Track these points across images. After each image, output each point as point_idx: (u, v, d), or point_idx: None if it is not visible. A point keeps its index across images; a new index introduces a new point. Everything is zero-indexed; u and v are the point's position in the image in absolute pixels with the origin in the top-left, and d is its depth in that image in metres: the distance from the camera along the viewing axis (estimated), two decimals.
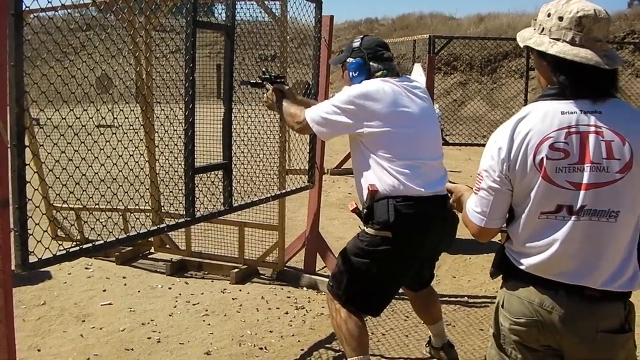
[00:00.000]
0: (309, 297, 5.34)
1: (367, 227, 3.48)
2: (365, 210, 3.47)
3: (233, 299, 5.32)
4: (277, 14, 5.16)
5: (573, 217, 2.12)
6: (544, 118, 2.14)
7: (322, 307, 5.10)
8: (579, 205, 2.10)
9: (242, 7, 5.11)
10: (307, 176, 5.24)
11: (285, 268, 5.77)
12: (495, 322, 2.36)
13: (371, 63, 3.60)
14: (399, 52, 17.65)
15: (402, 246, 3.42)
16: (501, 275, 2.38)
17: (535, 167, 2.13)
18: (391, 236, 3.40)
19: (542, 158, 2.11)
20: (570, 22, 2.14)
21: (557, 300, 2.17)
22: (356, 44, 3.68)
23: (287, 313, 5.02)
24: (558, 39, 2.16)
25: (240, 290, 5.51)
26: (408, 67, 9.64)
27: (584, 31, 2.12)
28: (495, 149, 2.20)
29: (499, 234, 2.38)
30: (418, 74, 9.04)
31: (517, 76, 15.90)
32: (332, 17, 5.40)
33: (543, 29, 2.21)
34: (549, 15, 2.19)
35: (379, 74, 3.58)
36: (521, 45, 2.34)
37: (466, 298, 5.43)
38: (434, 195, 3.41)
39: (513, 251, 2.29)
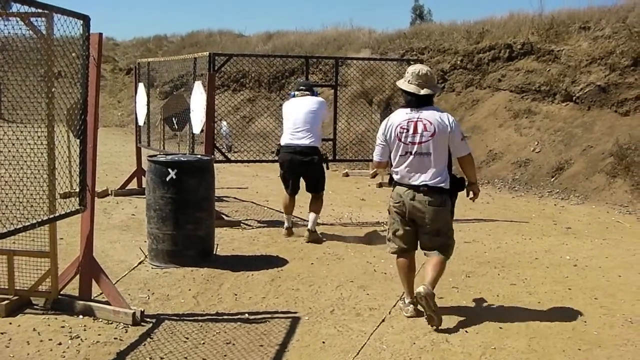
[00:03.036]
0: (84, 325, 5.11)
1: None
2: None
3: (2, 333, 4.96)
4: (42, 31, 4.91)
5: (411, 156, 5.19)
6: (399, 115, 5.30)
7: (99, 335, 4.92)
8: (414, 151, 5.17)
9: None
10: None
11: (60, 296, 5.49)
12: (389, 204, 5.45)
13: (295, 92, 8.26)
14: (188, 70, 17.54)
15: (281, 166, 8.03)
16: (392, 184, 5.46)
17: (397, 136, 5.23)
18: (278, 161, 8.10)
19: (397, 132, 5.22)
20: (407, 73, 5.28)
21: (408, 192, 5.23)
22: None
23: (60, 344, 4.76)
24: (404, 81, 5.28)
25: (10, 324, 5.15)
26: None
27: (410, 77, 5.24)
28: (381, 128, 5.38)
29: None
30: (199, 92, 9.02)
31: None
32: (100, 35, 5.25)
33: (404, 77, 5.33)
34: (406, 72, 5.31)
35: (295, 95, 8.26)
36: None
37: (247, 315, 5.46)
38: (292, 145, 7.82)
39: (392, 174, 5.37)
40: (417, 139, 5.15)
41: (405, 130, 5.19)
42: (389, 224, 5.48)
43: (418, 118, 5.17)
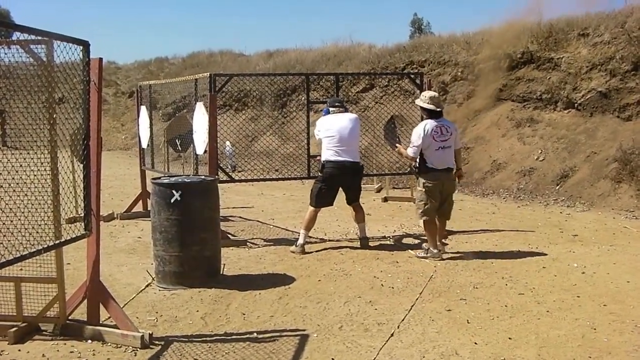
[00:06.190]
0: (93, 350, 5.10)
1: (320, 172, 8.61)
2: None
3: None
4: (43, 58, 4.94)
5: (442, 150, 7.90)
6: (430, 123, 7.90)
7: (108, 359, 4.92)
8: (444, 146, 7.89)
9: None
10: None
11: (68, 322, 5.49)
12: (419, 184, 8.06)
13: (330, 108, 8.75)
14: (190, 91, 17.63)
15: (325, 180, 8.47)
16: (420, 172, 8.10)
17: (431, 136, 7.81)
18: (322, 175, 8.50)
19: (432, 134, 7.82)
20: (425, 97, 8.04)
21: (439, 173, 7.92)
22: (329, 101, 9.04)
23: None
24: (424, 102, 8.00)
25: (19, 350, 5.15)
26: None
27: (428, 100, 7.96)
28: (419, 132, 7.88)
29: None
30: (201, 113, 9.04)
31: (307, 109, 16.35)
32: (100, 60, 5.28)
33: (421, 99, 8.05)
34: (423, 96, 8.10)
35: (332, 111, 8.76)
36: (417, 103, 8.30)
37: (255, 334, 5.45)
38: (339, 160, 8.37)
39: (426, 161, 7.90)
40: (444, 138, 7.86)
41: (437, 133, 7.82)
42: (423, 201, 7.94)
43: (442, 125, 7.90)
